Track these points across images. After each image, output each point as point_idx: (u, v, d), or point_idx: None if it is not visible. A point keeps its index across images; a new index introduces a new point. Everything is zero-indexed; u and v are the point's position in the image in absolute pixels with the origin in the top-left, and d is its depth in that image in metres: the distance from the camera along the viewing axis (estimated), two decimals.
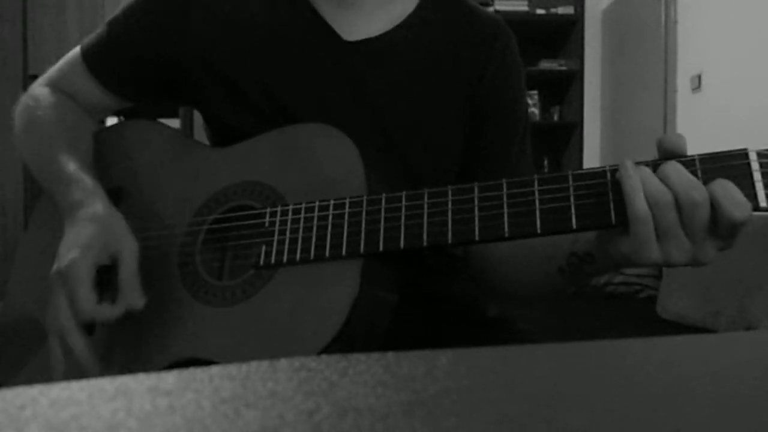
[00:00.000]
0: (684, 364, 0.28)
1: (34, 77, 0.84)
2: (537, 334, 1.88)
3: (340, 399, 0.22)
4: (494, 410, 0.21)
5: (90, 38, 0.79)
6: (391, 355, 0.27)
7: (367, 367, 0.25)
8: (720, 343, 0.34)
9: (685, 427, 0.21)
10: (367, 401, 0.22)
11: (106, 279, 0.62)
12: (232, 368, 0.25)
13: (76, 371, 0.61)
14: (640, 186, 0.49)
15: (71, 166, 0.69)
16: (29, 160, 0.77)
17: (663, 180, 0.49)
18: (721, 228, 0.48)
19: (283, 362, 0.26)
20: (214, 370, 0.25)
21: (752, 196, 0.48)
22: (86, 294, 0.60)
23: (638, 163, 0.51)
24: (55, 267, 0.61)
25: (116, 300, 0.61)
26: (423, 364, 0.26)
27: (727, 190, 0.47)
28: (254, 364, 0.25)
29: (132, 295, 0.62)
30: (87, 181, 0.67)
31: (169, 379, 0.24)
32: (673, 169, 0.49)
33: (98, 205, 0.65)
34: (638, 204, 0.49)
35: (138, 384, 0.23)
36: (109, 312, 0.61)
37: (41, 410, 0.21)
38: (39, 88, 0.80)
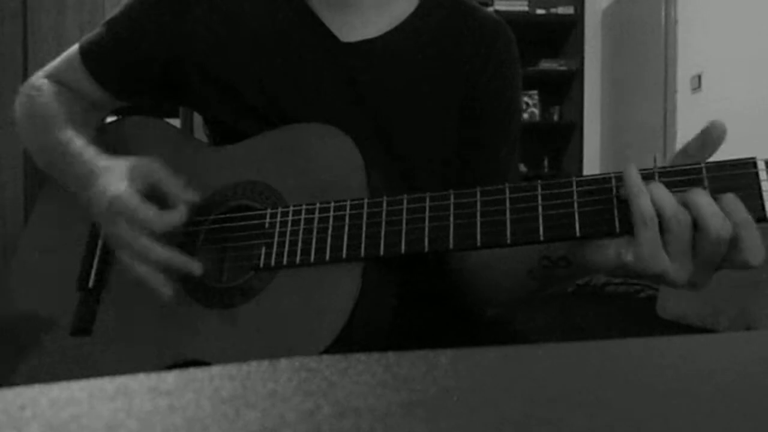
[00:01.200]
0: (684, 364, 0.28)
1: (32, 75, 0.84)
2: (537, 334, 1.88)
3: (340, 399, 0.22)
4: (494, 410, 0.21)
5: (88, 37, 0.79)
6: (391, 355, 0.27)
7: (367, 367, 0.25)
8: (720, 343, 0.34)
9: (684, 426, 0.21)
10: (367, 401, 0.22)
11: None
12: (232, 368, 0.25)
13: (179, 279, 0.62)
14: (650, 203, 0.48)
15: (78, 143, 0.70)
16: (33, 145, 0.77)
17: (692, 207, 0.47)
18: (732, 264, 0.48)
19: (283, 362, 0.26)
20: (214, 370, 0.25)
21: (759, 207, 0.47)
22: (147, 210, 0.60)
23: (644, 173, 0.50)
24: (98, 209, 0.62)
25: (173, 206, 0.63)
26: (423, 364, 0.26)
27: (753, 238, 0.47)
28: (254, 364, 0.25)
29: (185, 192, 0.63)
30: (93, 152, 0.69)
31: (169, 379, 0.24)
32: (703, 199, 0.47)
33: (107, 159, 0.66)
34: (646, 208, 0.48)
35: (138, 384, 0.23)
36: (174, 216, 0.61)
37: (41, 410, 0.21)
38: (40, 80, 0.80)
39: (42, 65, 0.83)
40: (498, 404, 0.22)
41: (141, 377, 0.24)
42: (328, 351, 0.55)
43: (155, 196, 0.63)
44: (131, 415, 0.20)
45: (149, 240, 0.60)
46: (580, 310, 2.20)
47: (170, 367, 0.62)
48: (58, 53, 0.82)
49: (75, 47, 0.80)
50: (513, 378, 0.25)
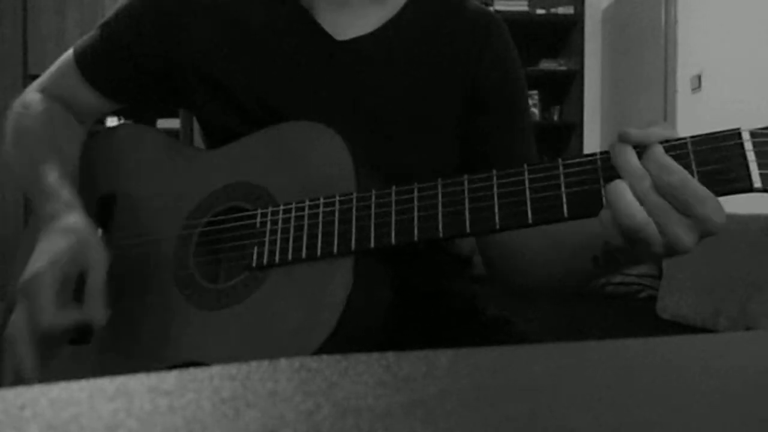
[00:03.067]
0: (684, 364, 0.28)
1: (34, 77, 0.84)
2: (537, 334, 1.88)
3: (340, 399, 0.22)
4: (494, 410, 0.21)
5: (82, 41, 0.79)
6: (391, 355, 0.27)
7: (367, 367, 0.25)
8: (720, 343, 0.34)
9: (685, 426, 0.21)
10: (367, 401, 0.22)
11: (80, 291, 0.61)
12: (232, 368, 0.25)
13: (19, 382, 0.58)
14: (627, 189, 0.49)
15: (50, 178, 0.68)
16: (15, 171, 0.76)
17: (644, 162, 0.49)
18: (699, 223, 0.48)
19: (283, 362, 0.26)
20: (214, 370, 0.25)
21: (746, 177, 0.47)
22: (46, 303, 0.58)
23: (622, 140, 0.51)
24: (20, 279, 0.60)
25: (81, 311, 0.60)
26: (423, 364, 0.26)
27: (691, 189, 0.47)
28: (254, 364, 0.25)
29: (95, 308, 0.60)
30: (63, 193, 0.66)
31: (169, 379, 0.24)
32: (630, 155, 0.50)
33: (71, 217, 0.64)
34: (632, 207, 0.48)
35: (138, 384, 0.23)
36: (63, 320, 0.59)
37: (41, 410, 0.21)
38: (31, 94, 0.80)
39: (42, 66, 0.83)
40: (498, 404, 0.22)
41: (141, 377, 0.24)
42: (324, 346, 0.55)
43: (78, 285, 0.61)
44: (131, 415, 0.20)
45: (24, 337, 0.58)
46: (580, 310, 2.20)
47: (169, 369, 0.62)
48: (58, 53, 0.82)
49: (69, 52, 0.80)
50: (513, 378, 0.25)
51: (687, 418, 0.22)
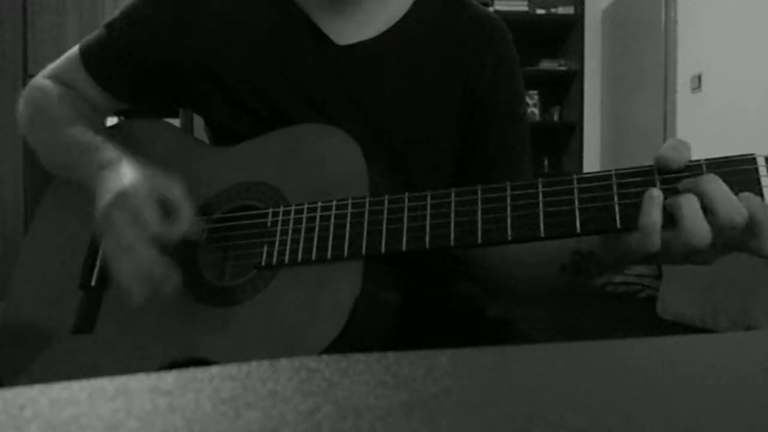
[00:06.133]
0: (684, 364, 0.28)
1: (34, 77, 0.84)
2: (537, 334, 1.88)
3: (340, 399, 0.22)
4: (494, 410, 0.21)
5: (88, 39, 0.79)
6: (391, 355, 0.27)
7: (367, 367, 0.25)
8: (720, 343, 0.34)
9: (685, 426, 0.21)
10: (367, 401, 0.22)
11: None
12: (232, 368, 0.25)
13: (153, 290, 0.59)
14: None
15: (96, 137, 0.69)
16: (40, 145, 0.76)
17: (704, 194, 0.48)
18: (746, 250, 0.49)
19: (283, 362, 0.26)
20: (214, 370, 0.25)
21: None
22: (152, 210, 0.59)
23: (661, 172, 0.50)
24: (108, 198, 0.60)
25: (175, 223, 0.60)
26: (423, 364, 0.26)
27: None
28: (254, 364, 0.25)
29: (189, 216, 0.61)
30: (109, 147, 0.67)
31: (169, 379, 0.24)
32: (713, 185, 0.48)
33: (131, 162, 0.65)
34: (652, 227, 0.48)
35: (138, 384, 0.23)
36: (171, 231, 0.60)
37: (41, 410, 0.21)
38: (43, 80, 0.80)
39: (42, 66, 0.83)
40: (498, 404, 0.22)
41: (141, 377, 0.24)
42: (329, 349, 0.55)
43: (164, 210, 0.62)
44: (131, 415, 0.20)
45: (140, 239, 0.58)
46: (580, 310, 2.20)
47: (172, 365, 0.62)
48: (58, 54, 0.82)
49: (75, 49, 0.80)
50: (513, 378, 0.26)
51: (687, 418, 0.22)
